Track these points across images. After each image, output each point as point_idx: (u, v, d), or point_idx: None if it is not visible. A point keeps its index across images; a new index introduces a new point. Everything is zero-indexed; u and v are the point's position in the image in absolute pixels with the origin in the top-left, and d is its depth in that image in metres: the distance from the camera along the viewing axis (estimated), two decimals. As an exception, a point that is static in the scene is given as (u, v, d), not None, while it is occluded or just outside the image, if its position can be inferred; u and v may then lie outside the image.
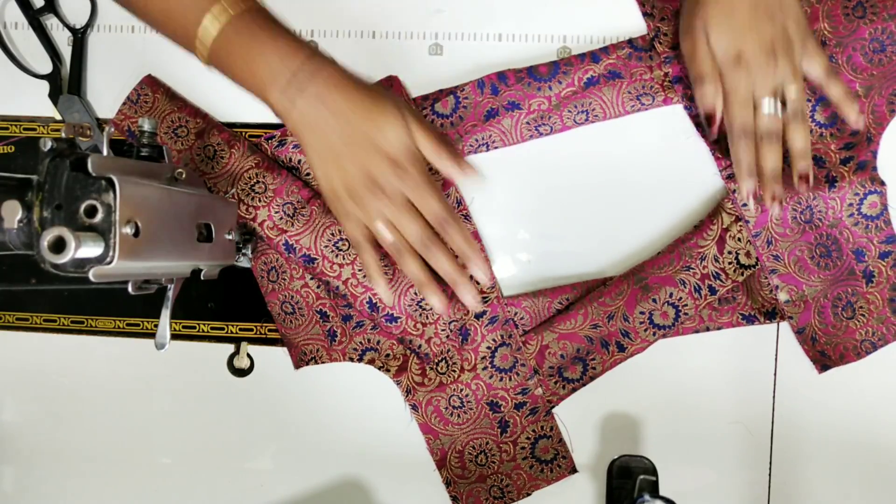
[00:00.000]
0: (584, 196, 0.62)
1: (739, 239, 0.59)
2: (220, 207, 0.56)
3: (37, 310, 0.67)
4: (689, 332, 0.61)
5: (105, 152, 0.45)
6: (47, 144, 0.42)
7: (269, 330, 0.65)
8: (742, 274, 0.60)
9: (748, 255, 0.60)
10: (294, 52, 0.51)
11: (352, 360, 0.63)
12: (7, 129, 0.67)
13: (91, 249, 0.40)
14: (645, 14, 0.61)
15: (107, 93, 0.66)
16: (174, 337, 0.66)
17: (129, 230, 0.42)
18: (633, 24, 0.62)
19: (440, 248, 0.53)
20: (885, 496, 0.60)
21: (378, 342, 0.63)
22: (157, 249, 0.45)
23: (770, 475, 0.61)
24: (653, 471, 0.57)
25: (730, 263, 0.60)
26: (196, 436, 0.66)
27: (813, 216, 0.59)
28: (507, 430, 0.62)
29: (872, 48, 0.58)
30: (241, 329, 0.66)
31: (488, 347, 0.62)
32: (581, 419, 0.62)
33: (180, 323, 0.66)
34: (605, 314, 0.61)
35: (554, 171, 0.62)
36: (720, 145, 0.60)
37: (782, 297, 0.60)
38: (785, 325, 0.61)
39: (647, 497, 0.52)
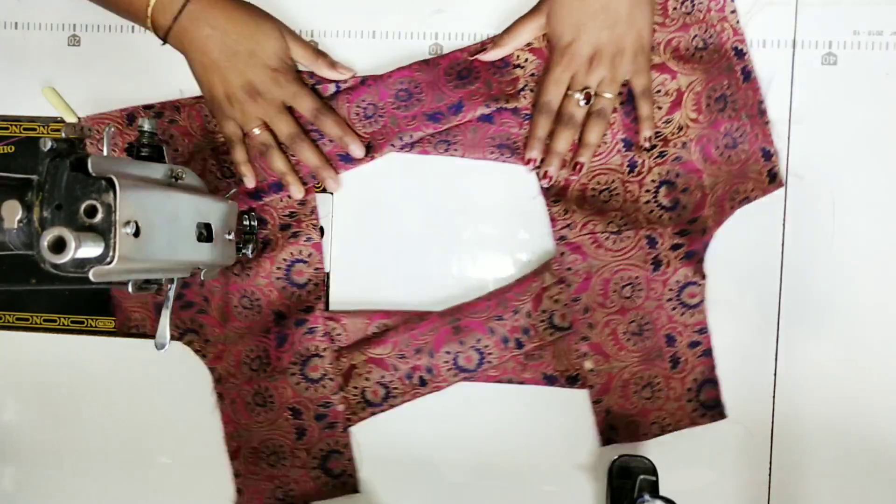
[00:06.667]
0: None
1: (557, 300, 0.61)
2: (220, 207, 0.56)
3: (37, 310, 0.67)
4: (492, 380, 0.62)
5: (105, 152, 0.45)
6: (47, 144, 0.42)
7: (269, 330, 0.65)
8: (553, 335, 0.61)
9: (563, 317, 0.61)
10: None
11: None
12: (7, 129, 0.67)
13: (91, 249, 0.40)
14: (516, 66, 0.61)
15: (106, 92, 0.66)
16: (174, 337, 0.66)
17: (129, 230, 0.42)
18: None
19: (308, 143, 0.61)
20: (885, 496, 0.60)
21: (201, 326, 0.64)
22: (157, 249, 0.45)
23: (770, 475, 0.61)
24: (653, 471, 0.57)
25: (542, 322, 0.61)
26: (196, 436, 0.66)
27: (633, 293, 0.60)
28: (303, 437, 0.63)
29: (725, 143, 0.59)
30: (241, 329, 0.66)
31: (301, 355, 0.63)
32: (581, 419, 0.62)
33: (180, 323, 0.66)
34: (414, 347, 0.62)
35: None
36: (559, 206, 0.61)
37: (588, 365, 0.61)
38: (784, 327, 0.61)
39: (647, 497, 0.52)
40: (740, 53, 0.59)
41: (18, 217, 0.42)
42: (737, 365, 0.61)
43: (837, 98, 0.60)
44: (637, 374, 0.61)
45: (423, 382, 0.62)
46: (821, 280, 0.60)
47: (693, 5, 0.59)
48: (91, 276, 0.41)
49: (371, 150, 0.62)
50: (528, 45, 0.61)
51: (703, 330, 0.60)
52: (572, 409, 0.62)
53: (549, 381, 0.62)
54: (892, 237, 0.60)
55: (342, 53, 0.64)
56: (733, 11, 0.59)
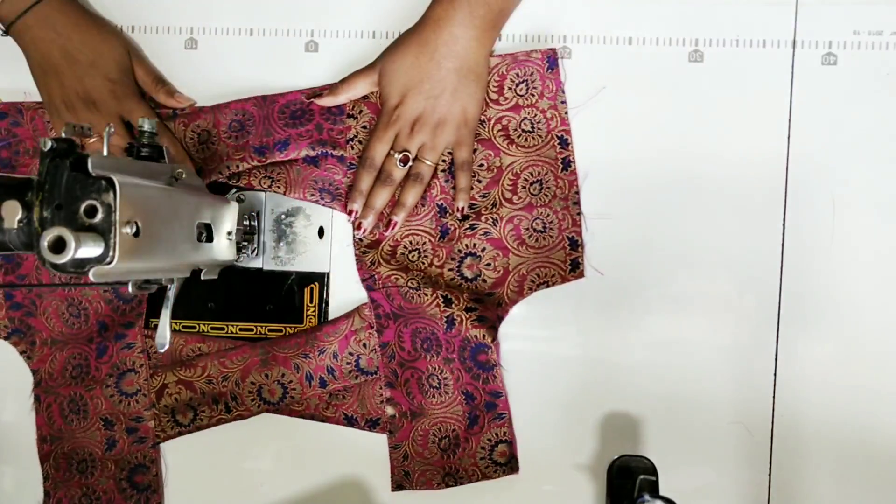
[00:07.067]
0: (585, 197, 0.62)
1: (365, 345, 0.62)
2: (220, 207, 0.56)
3: (37, 310, 0.67)
4: (295, 415, 0.64)
5: (105, 152, 0.45)
6: (47, 144, 0.42)
7: (270, 330, 0.65)
8: (357, 377, 0.62)
9: (370, 362, 0.62)
10: None
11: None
12: (7, 129, 0.67)
13: (91, 249, 0.40)
14: (349, 115, 0.63)
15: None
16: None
17: (129, 230, 0.42)
18: (632, 26, 0.62)
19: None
20: (885, 496, 0.60)
21: (29, 328, 0.66)
22: (157, 249, 0.45)
23: (770, 475, 0.61)
24: (653, 471, 0.57)
25: (347, 364, 0.62)
26: (196, 436, 0.66)
27: (432, 347, 0.61)
28: (113, 448, 0.65)
29: (535, 227, 0.61)
30: (241, 329, 0.66)
31: (118, 368, 0.64)
32: (581, 419, 0.62)
33: (180, 323, 0.66)
34: (221, 374, 0.64)
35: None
36: (367, 256, 0.62)
37: (389, 410, 0.63)
38: (784, 326, 0.61)
39: (647, 497, 0.51)
40: (564, 142, 0.61)
41: (18, 217, 0.42)
42: (737, 365, 0.61)
43: (837, 98, 0.60)
44: (436, 425, 0.62)
45: (228, 409, 0.64)
46: (821, 280, 0.61)
47: (527, 89, 0.61)
48: (91, 276, 0.41)
49: (201, 175, 0.63)
50: (366, 97, 0.62)
51: (499, 394, 0.61)
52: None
53: (350, 422, 0.63)
54: (892, 237, 0.60)
55: (342, 54, 0.64)
56: (563, 101, 0.62)
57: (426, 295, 0.60)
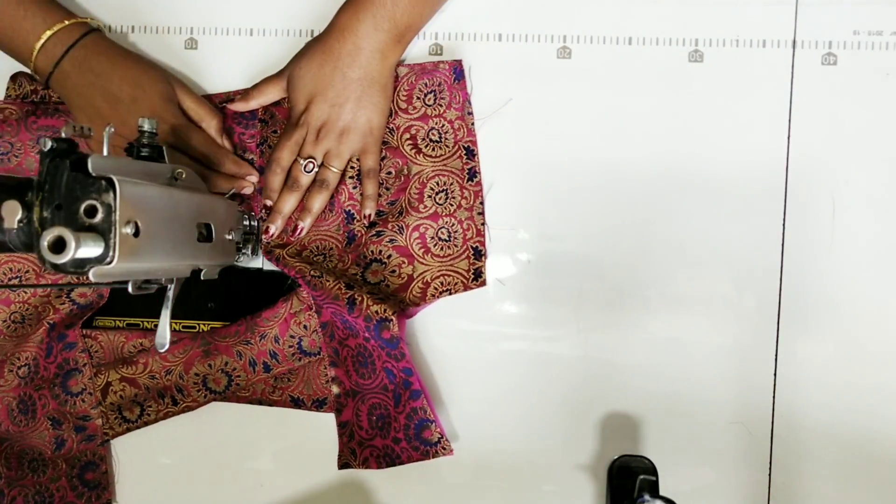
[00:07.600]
0: (585, 197, 0.62)
1: (306, 326, 0.62)
2: (220, 207, 0.56)
3: (37, 310, 0.67)
4: (243, 401, 0.64)
5: (105, 152, 0.45)
6: (47, 144, 0.42)
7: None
8: (300, 359, 0.63)
9: (312, 343, 0.62)
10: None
11: None
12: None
13: (91, 249, 0.40)
14: (261, 120, 0.64)
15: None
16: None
17: (129, 230, 0.42)
18: (632, 26, 0.62)
19: (208, 173, 0.61)
20: (885, 496, 0.61)
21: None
22: (157, 249, 0.45)
23: (770, 475, 0.61)
24: (653, 471, 0.57)
25: (290, 347, 0.63)
26: (196, 436, 0.66)
27: (351, 326, 0.61)
28: (62, 447, 0.66)
29: (440, 236, 0.62)
30: (241, 329, 0.66)
31: (63, 368, 0.65)
32: (581, 419, 0.62)
33: (180, 323, 0.66)
34: (164, 369, 0.64)
35: (556, 172, 0.62)
36: (272, 255, 0.63)
37: (335, 389, 0.63)
38: (784, 326, 0.61)
39: (647, 497, 0.51)
40: (470, 153, 0.62)
41: (18, 217, 0.42)
42: (737, 365, 0.61)
43: (837, 98, 0.60)
44: (371, 404, 0.62)
45: (174, 402, 0.64)
46: (821, 280, 0.61)
47: (435, 99, 0.62)
48: (91, 276, 0.40)
49: None
50: (278, 103, 0.63)
51: (410, 371, 0.60)
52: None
53: (297, 404, 0.64)
54: (892, 237, 0.60)
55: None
56: (470, 113, 0.62)
57: (329, 281, 0.60)
